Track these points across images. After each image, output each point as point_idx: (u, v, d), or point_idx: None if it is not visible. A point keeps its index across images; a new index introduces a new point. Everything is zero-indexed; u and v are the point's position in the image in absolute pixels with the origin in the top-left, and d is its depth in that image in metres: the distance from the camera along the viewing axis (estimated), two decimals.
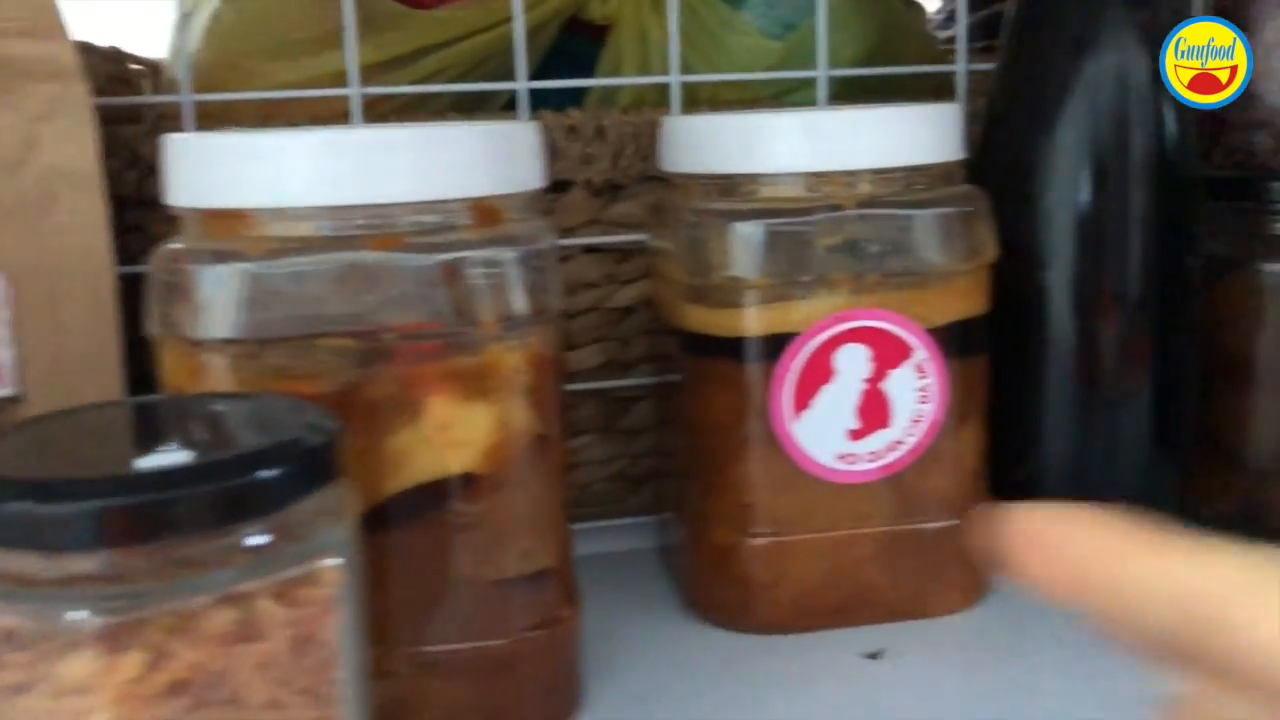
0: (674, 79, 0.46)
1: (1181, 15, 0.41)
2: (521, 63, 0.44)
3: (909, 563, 0.39)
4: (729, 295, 0.37)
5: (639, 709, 0.35)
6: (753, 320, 0.37)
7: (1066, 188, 0.40)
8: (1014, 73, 0.41)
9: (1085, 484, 0.42)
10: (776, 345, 0.37)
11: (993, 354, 0.41)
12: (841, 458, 0.38)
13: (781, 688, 0.36)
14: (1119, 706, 0.34)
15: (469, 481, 0.30)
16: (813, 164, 0.37)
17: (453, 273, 0.30)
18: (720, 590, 0.39)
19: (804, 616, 0.39)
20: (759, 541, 0.38)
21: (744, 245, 0.37)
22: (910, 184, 0.38)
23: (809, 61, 0.47)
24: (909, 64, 0.51)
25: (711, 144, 0.38)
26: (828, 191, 0.37)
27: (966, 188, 0.39)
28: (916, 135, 0.38)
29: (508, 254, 0.30)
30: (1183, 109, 0.40)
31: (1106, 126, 0.39)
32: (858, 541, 0.39)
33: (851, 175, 0.37)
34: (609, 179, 0.47)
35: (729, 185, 0.38)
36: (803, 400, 0.37)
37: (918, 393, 0.38)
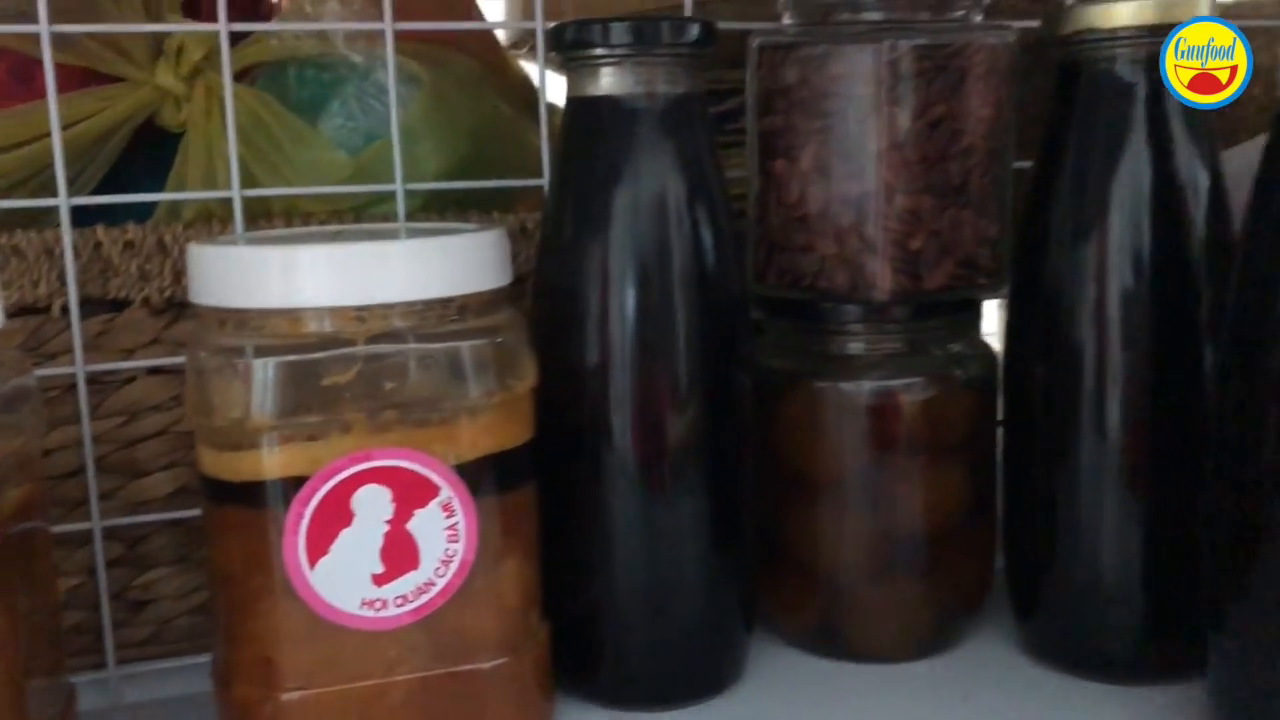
0: (235, 194, 0.44)
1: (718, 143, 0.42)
2: (61, 177, 0.41)
3: (451, 708, 0.38)
4: (235, 438, 0.35)
5: None
6: (261, 464, 0.35)
7: (611, 308, 0.39)
8: (560, 195, 0.41)
9: (648, 609, 0.41)
10: (289, 490, 0.35)
11: (548, 481, 0.40)
12: (367, 604, 0.36)
13: None
14: None
15: None
16: (326, 298, 0.35)
17: None
18: None
19: None
20: (283, 697, 0.36)
21: (246, 385, 0.35)
22: (443, 316, 0.37)
23: (391, 174, 0.46)
24: (516, 176, 0.50)
25: (223, 276, 0.36)
26: (342, 326, 0.35)
27: (503, 316, 0.38)
28: (445, 267, 0.37)
29: None
30: (722, 230, 0.40)
31: (647, 250, 0.39)
32: (390, 690, 0.37)
33: (365, 310, 0.36)
34: (170, 296, 0.44)
35: (241, 319, 0.36)
36: (320, 546, 0.35)
37: (446, 532, 0.37)
